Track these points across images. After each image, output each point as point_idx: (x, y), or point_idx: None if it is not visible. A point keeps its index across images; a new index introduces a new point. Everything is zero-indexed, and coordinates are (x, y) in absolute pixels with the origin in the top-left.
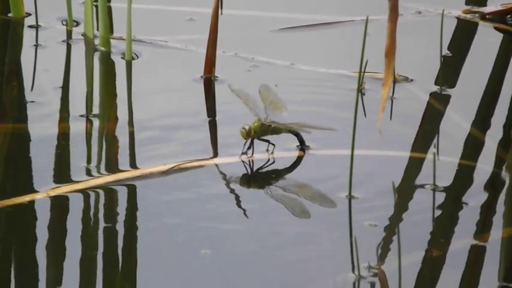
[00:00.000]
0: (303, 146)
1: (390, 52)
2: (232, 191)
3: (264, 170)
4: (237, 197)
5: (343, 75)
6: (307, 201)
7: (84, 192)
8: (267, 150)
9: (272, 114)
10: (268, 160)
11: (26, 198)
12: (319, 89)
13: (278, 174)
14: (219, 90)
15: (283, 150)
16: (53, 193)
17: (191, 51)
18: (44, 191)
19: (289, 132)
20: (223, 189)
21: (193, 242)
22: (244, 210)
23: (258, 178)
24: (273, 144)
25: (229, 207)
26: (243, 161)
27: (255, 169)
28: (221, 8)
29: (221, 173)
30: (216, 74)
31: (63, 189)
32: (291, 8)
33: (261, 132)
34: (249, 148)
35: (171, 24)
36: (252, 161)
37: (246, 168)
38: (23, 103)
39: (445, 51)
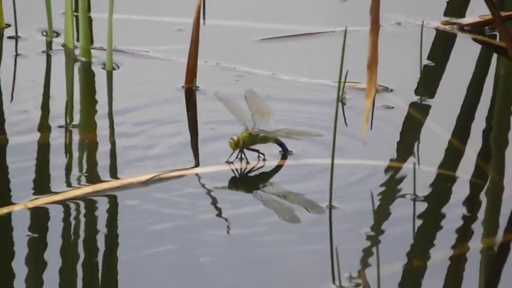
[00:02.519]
0: (286, 153)
1: (372, 64)
2: (214, 199)
3: (245, 178)
4: (219, 206)
5: (324, 85)
6: (295, 207)
7: (64, 203)
8: (258, 158)
9: (259, 122)
10: (245, 169)
11: (4, 210)
12: (299, 98)
13: (258, 182)
14: (200, 100)
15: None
16: (31, 205)
17: (172, 61)
18: (22, 203)
19: (274, 142)
20: (205, 198)
21: (175, 252)
22: (226, 219)
23: (239, 186)
24: (263, 154)
25: (211, 216)
26: (232, 169)
27: (234, 178)
28: (204, 18)
29: (202, 182)
30: (197, 84)
31: (41, 200)
32: (273, 18)
33: (249, 142)
34: (239, 158)
35: (157, 35)
36: (245, 169)
37: (227, 177)
38: (2, 114)
39: (425, 62)
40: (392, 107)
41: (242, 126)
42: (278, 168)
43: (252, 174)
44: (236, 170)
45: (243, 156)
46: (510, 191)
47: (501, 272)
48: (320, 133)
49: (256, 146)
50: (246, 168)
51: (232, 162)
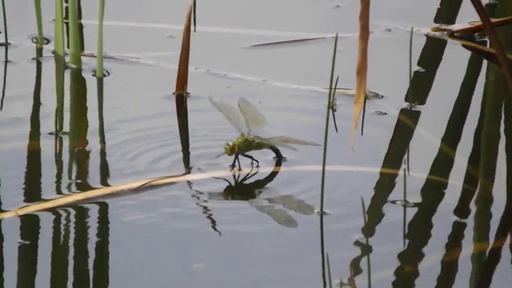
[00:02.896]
0: (280, 159)
1: (362, 70)
2: (205, 207)
3: (237, 185)
4: (210, 214)
5: (315, 91)
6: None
7: (55, 210)
8: (252, 164)
9: (254, 129)
10: (239, 176)
11: None
12: (291, 105)
13: (251, 189)
14: (191, 106)
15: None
16: (21, 212)
17: (163, 67)
18: (12, 210)
19: (269, 148)
20: (196, 206)
21: (166, 259)
22: (215, 227)
23: (233, 193)
24: (257, 161)
25: (202, 224)
26: (233, 175)
27: (225, 184)
28: (194, 25)
29: (193, 189)
30: (188, 91)
31: (32, 207)
32: (263, 25)
33: (244, 147)
34: (233, 164)
35: (147, 41)
36: (238, 175)
37: (220, 184)
38: None
39: (415, 68)
40: (385, 113)
41: (237, 132)
42: (272, 174)
43: (246, 180)
44: (229, 177)
45: (236, 162)
46: (500, 197)
47: (492, 277)
48: (316, 142)
49: (251, 153)
50: (239, 175)
51: (231, 169)
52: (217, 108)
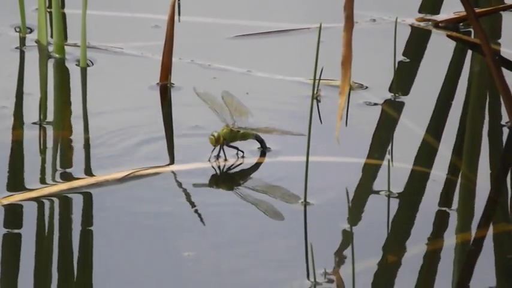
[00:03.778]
0: (265, 150)
1: (346, 61)
2: (189, 197)
3: (222, 175)
4: (194, 204)
5: (299, 82)
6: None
7: (39, 200)
8: (237, 155)
9: (238, 120)
10: (224, 166)
11: None
12: (275, 95)
13: (235, 179)
14: (175, 96)
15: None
16: (6, 201)
17: (147, 58)
18: None
19: (254, 139)
20: (182, 195)
21: (152, 249)
22: (200, 216)
23: (218, 183)
24: (242, 151)
25: (187, 213)
26: (215, 165)
27: (210, 175)
28: (178, 15)
29: (177, 179)
30: (172, 81)
31: (16, 197)
32: (248, 15)
33: (230, 138)
34: (218, 154)
35: (131, 31)
36: (223, 166)
37: (204, 174)
38: None
39: (400, 59)
40: (372, 104)
41: (222, 123)
42: (257, 165)
43: (231, 170)
44: (214, 167)
45: (221, 153)
46: (483, 187)
47: (475, 266)
48: (301, 132)
49: (236, 143)
50: (224, 166)
51: (216, 159)
52: (202, 99)
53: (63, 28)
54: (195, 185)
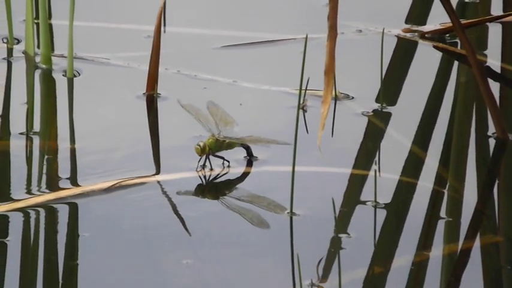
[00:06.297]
0: (251, 158)
1: (330, 70)
2: (174, 206)
3: (208, 185)
4: (180, 213)
5: (285, 92)
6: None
7: (25, 210)
8: (223, 164)
9: (223, 130)
10: (210, 176)
11: None
12: (261, 106)
13: (222, 189)
14: (162, 107)
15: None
16: None
17: (133, 68)
18: None
19: (240, 146)
20: (168, 206)
21: (137, 258)
22: (185, 226)
23: (204, 193)
24: (228, 161)
25: (173, 224)
26: (201, 175)
27: (196, 185)
28: (164, 26)
29: (163, 189)
30: (158, 91)
31: (2, 207)
32: (234, 25)
33: (215, 148)
34: (204, 164)
35: (117, 42)
36: (209, 175)
37: (190, 184)
38: None
39: (386, 69)
40: (365, 112)
41: (208, 133)
42: (243, 175)
43: (217, 180)
44: (200, 177)
45: (207, 163)
46: (470, 198)
47: (461, 278)
48: (287, 142)
49: (222, 153)
50: (210, 175)
51: (202, 169)
52: (186, 111)
53: (50, 39)
54: (178, 193)
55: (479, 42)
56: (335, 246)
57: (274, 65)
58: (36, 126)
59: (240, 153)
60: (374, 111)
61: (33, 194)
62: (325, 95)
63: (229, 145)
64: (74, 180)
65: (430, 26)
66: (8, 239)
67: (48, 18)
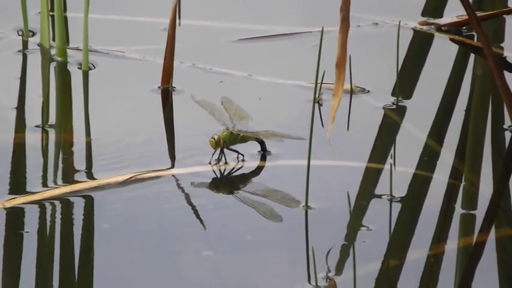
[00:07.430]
0: (265, 152)
1: (341, 63)
2: (189, 201)
3: (223, 179)
4: (195, 207)
5: (300, 86)
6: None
7: (41, 203)
8: (237, 158)
9: (238, 124)
10: (224, 170)
11: None
12: (277, 99)
13: (237, 182)
14: (177, 100)
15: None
16: (8, 204)
17: (148, 61)
18: None
19: (255, 140)
20: (182, 199)
21: (151, 251)
22: (201, 220)
23: (218, 187)
24: (242, 155)
25: (188, 217)
26: (218, 169)
27: (211, 178)
28: (179, 19)
29: (178, 183)
30: (173, 85)
31: (19, 200)
32: (250, 19)
33: (230, 141)
34: (219, 157)
35: (133, 35)
36: (224, 169)
37: (205, 178)
38: None
39: (402, 62)
40: (373, 108)
41: (222, 126)
42: (257, 168)
43: (231, 174)
44: (215, 171)
45: (222, 156)
46: (485, 191)
47: (476, 271)
48: (301, 137)
49: (236, 146)
50: (225, 169)
51: (217, 162)
52: (200, 106)
53: (65, 31)
54: (196, 189)
55: (496, 35)
56: (350, 239)
57: (290, 58)
58: (52, 119)
59: (254, 148)
60: (392, 103)
61: (49, 187)
62: (336, 87)
63: (244, 138)
64: (89, 173)
65: (447, 18)
66: (24, 231)
67: (63, 10)
